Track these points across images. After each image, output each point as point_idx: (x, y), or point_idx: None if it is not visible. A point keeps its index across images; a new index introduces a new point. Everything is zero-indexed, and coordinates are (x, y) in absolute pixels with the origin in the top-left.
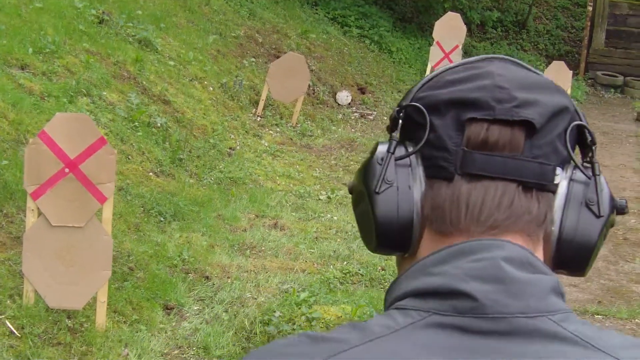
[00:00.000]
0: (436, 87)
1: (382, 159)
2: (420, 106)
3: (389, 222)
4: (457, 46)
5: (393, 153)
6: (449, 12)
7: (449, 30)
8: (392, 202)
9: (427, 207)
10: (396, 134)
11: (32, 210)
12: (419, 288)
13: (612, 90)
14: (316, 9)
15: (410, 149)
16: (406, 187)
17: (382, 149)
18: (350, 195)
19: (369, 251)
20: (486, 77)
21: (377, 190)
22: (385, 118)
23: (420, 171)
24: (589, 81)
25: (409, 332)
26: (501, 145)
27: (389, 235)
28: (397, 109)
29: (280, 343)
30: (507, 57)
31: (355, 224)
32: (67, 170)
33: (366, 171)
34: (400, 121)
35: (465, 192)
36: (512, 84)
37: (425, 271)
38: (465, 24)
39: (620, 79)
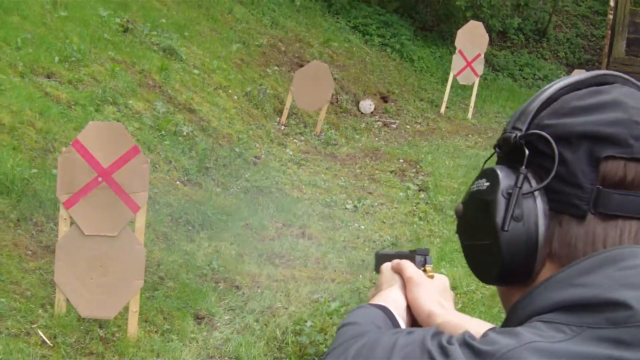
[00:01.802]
0: (563, 114)
1: (508, 193)
2: (548, 137)
3: (515, 260)
4: (479, 55)
5: (520, 187)
6: (471, 21)
7: (471, 38)
8: (519, 240)
9: (555, 244)
10: (523, 169)
11: (65, 219)
12: (565, 300)
13: None
14: (337, 18)
15: (531, 178)
16: (533, 224)
17: (506, 181)
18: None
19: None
20: (618, 107)
21: (505, 229)
22: (409, 127)
23: (544, 203)
24: None
25: (564, 348)
26: (637, 184)
27: (511, 271)
28: (518, 134)
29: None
30: (625, 77)
31: (381, 232)
32: (100, 179)
33: (489, 205)
34: (527, 151)
35: (601, 233)
36: None
37: (570, 282)
38: (486, 32)
39: None
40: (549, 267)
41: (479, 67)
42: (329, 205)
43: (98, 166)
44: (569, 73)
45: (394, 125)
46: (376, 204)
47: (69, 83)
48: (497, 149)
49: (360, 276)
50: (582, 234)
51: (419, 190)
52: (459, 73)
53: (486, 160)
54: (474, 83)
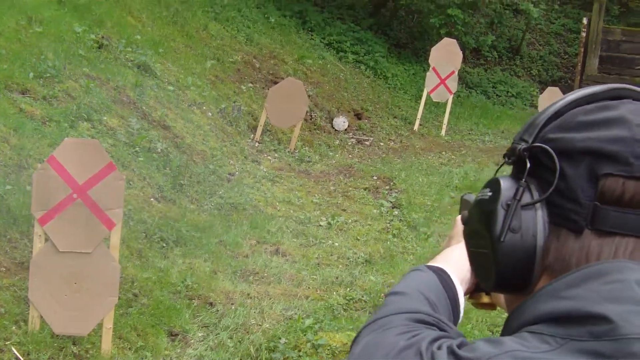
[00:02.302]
0: (567, 128)
1: (507, 205)
2: (551, 151)
3: (511, 270)
4: (453, 72)
5: (520, 200)
6: (445, 38)
7: (445, 55)
8: (515, 251)
9: (551, 256)
10: (523, 182)
11: (40, 235)
12: (552, 312)
13: None
14: (312, 35)
15: (534, 190)
16: (530, 235)
17: (507, 192)
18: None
19: (370, 278)
20: (623, 125)
21: (501, 239)
22: (382, 144)
23: (544, 215)
24: None
25: (547, 359)
26: (636, 203)
27: (507, 281)
28: (523, 146)
29: None
30: (634, 89)
31: (355, 249)
32: (75, 195)
33: (489, 215)
34: (528, 164)
35: (596, 249)
36: None
37: (557, 295)
38: (460, 49)
39: None
40: (544, 279)
41: (453, 84)
42: (302, 222)
43: (73, 183)
44: (542, 91)
45: (367, 142)
46: (350, 221)
47: (43, 99)
48: (505, 159)
49: (334, 293)
50: (577, 249)
51: (393, 207)
52: (432, 90)
53: (497, 170)
54: (447, 100)
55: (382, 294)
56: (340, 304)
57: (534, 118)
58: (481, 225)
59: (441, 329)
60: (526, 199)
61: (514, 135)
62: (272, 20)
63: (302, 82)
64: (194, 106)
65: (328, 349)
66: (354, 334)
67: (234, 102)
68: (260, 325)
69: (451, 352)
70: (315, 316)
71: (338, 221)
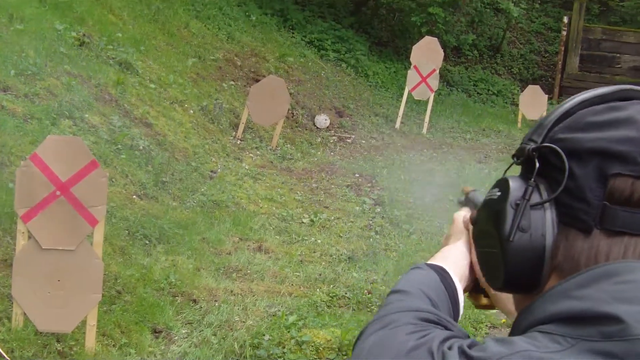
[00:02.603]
0: (576, 128)
1: (516, 204)
2: (560, 151)
3: (520, 270)
4: (434, 70)
5: (529, 199)
6: (427, 37)
7: (427, 54)
8: (524, 251)
9: (560, 256)
10: (532, 182)
11: (23, 233)
12: (562, 312)
13: None
14: (293, 33)
15: (543, 190)
16: (539, 235)
17: (516, 192)
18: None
19: (353, 275)
20: (632, 125)
21: (510, 239)
22: (364, 141)
23: (553, 215)
24: None
25: (557, 359)
26: None
27: (516, 281)
28: (532, 146)
29: None
30: None
31: (337, 246)
32: (58, 193)
33: (498, 214)
34: (537, 164)
35: (605, 249)
36: None
37: (567, 295)
38: (441, 48)
39: None
40: (554, 278)
41: (434, 82)
42: (285, 219)
43: (56, 180)
44: (522, 89)
45: (349, 140)
46: (332, 218)
47: (25, 97)
48: (514, 159)
49: (318, 290)
50: (586, 249)
51: (375, 205)
52: (414, 88)
53: (506, 170)
54: (428, 98)
55: (365, 291)
56: (323, 301)
57: (543, 119)
58: (490, 225)
59: (447, 328)
60: (535, 198)
61: (495, 133)
62: (253, 18)
63: (284, 80)
64: (175, 104)
65: (312, 346)
66: (338, 331)
67: (216, 99)
68: (244, 322)
69: (462, 352)
70: (299, 313)
71: (320, 218)
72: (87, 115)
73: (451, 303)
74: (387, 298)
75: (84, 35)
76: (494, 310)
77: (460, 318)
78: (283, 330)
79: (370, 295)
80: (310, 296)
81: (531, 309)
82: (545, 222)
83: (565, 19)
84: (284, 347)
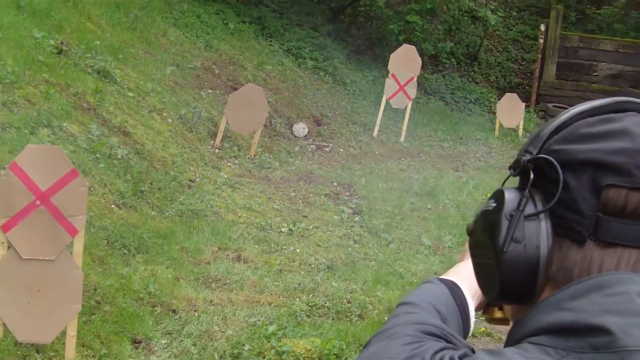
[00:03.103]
0: (570, 140)
1: (510, 215)
2: (554, 162)
3: (514, 280)
4: (412, 78)
5: (523, 211)
6: (404, 45)
7: (405, 62)
8: (518, 262)
9: (554, 267)
10: (527, 192)
11: (2, 243)
12: (553, 324)
13: None
14: (271, 41)
15: (539, 201)
16: (534, 246)
17: (510, 203)
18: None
19: (332, 284)
20: (626, 137)
21: (504, 250)
22: (342, 150)
23: (548, 226)
24: (540, 113)
25: None
26: (639, 214)
27: (511, 291)
28: (528, 158)
29: None
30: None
31: (316, 255)
32: (38, 202)
33: (493, 225)
34: (532, 175)
35: (597, 260)
36: None
37: (559, 306)
38: (419, 56)
39: None
40: (548, 289)
41: (412, 90)
42: (264, 228)
43: (36, 189)
44: (500, 97)
45: (327, 149)
46: (311, 227)
47: (3, 105)
48: (511, 171)
49: (297, 299)
50: (580, 259)
51: (353, 214)
52: (391, 96)
53: (504, 181)
54: (406, 106)
55: (344, 300)
56: (303, 310)
57: (539, 130)
58: (485, 236)
59: (449, 342)
60: (530, 209)
61: (472, 141)
62: (231, 26)
63: (262, 89)
64: (154, 112)
65: (292, 356)
66: (318, 340)
67: (194, 108)
68: (223, 332)
69: None
70: (278, 322)
71: (299, 227)
72: (65, 124)
73: (461, 317)
74: (396, 310)
75: (62, 43)
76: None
77: (470, 334)
78: (263, 340)
79: (349, 304)
80: (289, 306)
81: (525, 319)
82: (539, 233)
83: (543, 27)
84: (264, 357)
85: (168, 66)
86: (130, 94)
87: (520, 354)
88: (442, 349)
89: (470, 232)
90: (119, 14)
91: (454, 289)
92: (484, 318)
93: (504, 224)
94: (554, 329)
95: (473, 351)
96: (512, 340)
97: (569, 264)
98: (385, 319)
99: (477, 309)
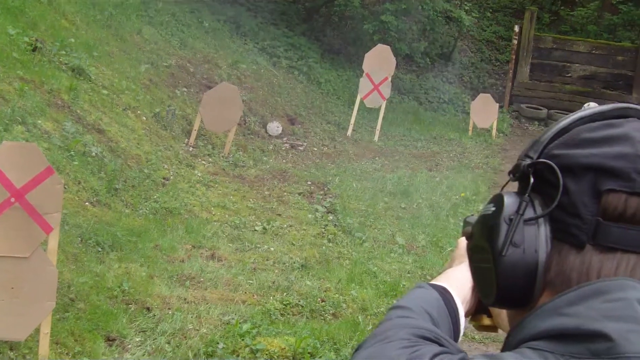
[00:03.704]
0: (571, 145)
1: (510, 219)
2: (555, 166)
3: (512, 285)
4: (386, 78)
5: (522, 214)
6: (379, 45)
7: (379, 62)
8: (516, 266)
9: (553, 272)
10: (526, 197)
11: None
12: (552, 329)
13: (536, 122)
14: (246, 40)
15: (538, 206)
16: (532, 250)
17: (510, 207)
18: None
19: (306, 283)
20: (626, 142)
21: (503, 254)
22: (316, 149)
23: (547, 231)
24: (513, 114)
25: None
26: (638, 219)
27: (509, 296)
28: (528, 162)
29: None
30: None
31: (291, 254)
32: (13, 199)
33: (492, 229)
34: (532, 180)
35: (596, 265)
36: None
37: (558, 311)
38: (393, 56)
39: (544, 111)
40: (546, 294)
41: (386, 90)
42: (238, 227)
43: (11, 187)
44: (473, 97)
45: (301, 148)
46: (285, 225)
47: None
48: (511, 176)
49: (271, 298)
50: (578, 264)
51: (327, 212)
52: (366, 96)
53: (504, 186)
54: (380, 106)
55: (319, 299)
56: (277, 309)
57: (540, 135)
58: (484, 240)
59: (442, 346)
60: (529, 214)
61: (446, 141)
62: (206, 24)
63: (237, 87)
64: (128, 110)
65: (266, 354)
66: (292, 339)
67: (169, 106)
68: (197, 330)
69: None
70: (252, 321)
71: (273, 226)
72: (39, 121)
73: (452, 322)
74: (388, 313)
75: (37, 40)
76: (496, 333)
77: (460, 339)
78: (237, 338)
79: (323, 303)
80: (263, 304)
81: (522, 324)
82: (538, 237)
83: (517, 28)
84: (238, 355)
85: (143, 64)
86: (105, 92)
87: (518, 358)
88: (438, 354)
89: (469, 236)
90: (94, 12)
91: (445, 294)
92: (472, 324)
93: (503, 227)
94: (552, 334)
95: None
96: (510, 345)
97: (567, 268)
98: (359, 318)
99: (465, 315)
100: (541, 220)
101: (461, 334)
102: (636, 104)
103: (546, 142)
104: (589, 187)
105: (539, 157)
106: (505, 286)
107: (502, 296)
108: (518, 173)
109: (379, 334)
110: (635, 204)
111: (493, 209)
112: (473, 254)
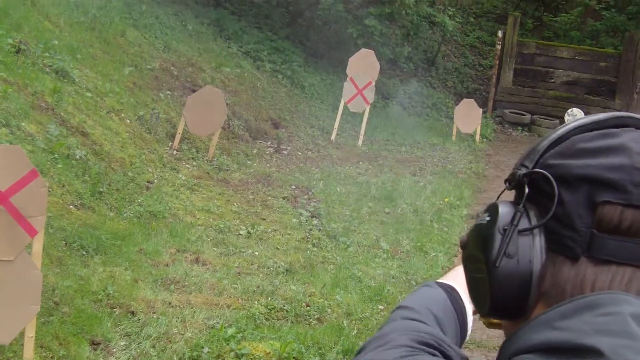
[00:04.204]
0: (567, 155)
1: (504, 230)
2: (550, 176)
3: (505, 296)
4: (370, 82)
5: (517, 225)
6: (363, 49)
7: (363, 66)
8: (510, 277)
9: (547, 283)
10: (521, 207)
11: None
12: (544, 342)
13: (520, 128)
14: (229, 43)
15: (533, 216)
16: (527, 261)
17: (504, 217)
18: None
19: (291, 287)
20: (623, 153)
21: (496, 265)
22: (300, 153)
23: (542, 242)
24: (497, 119)
25: None
26: (633, 231)
27: (502, 307)
28: (523, 172)
29: None
30: (639, 117)
31: (275, 258)
32: None
33: (486, 239)
34: (526, 190)
35: (591, 277)
36: None
37: (550, 325)
38: (377, 60)
39: (527, 117)
40: (541, 306)
41: (370, 94)
42: (222, 231)
43: None
44: (457, 102)
45: (285, 152)
46: (269, 230)
47: None
48: (507, 184)
49: (256, 302)
50: (572, 276)
51: (312, 217)
52: (349, 100)
53: (499, 195)
54: (364, 111)
55: (303, 304)
56: (262, 313)
57: (536, 144)
58: (478, 250)
59: (443, 351)
60: (524, 224)
61: (429, 146)
62: (190, 27)
63: (221, 91)
64: (112, 113)
65: (251, 358)
66: (277, 343)
67: (153, 109)
68: (182, 334)
69: None
70: (237, 325)
71: (258, 230)
72: (23, 124)
73: (458, 321)
74: (392, 314)
75: (21, 42)
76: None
77: (467, 338)
78: (222, 342)
79: (308, 307)
80: (248, 308)
81: (516, 336)
82: (532, 248)
83: (500, 33)
84: None
85: (126, 67)
86: (89, 94)
87: None
88: None
89: (464, 245)
90: (78, 14)
91: (452, 293)
92: (482, 321)
93: (497, 238)
94: (544, 347)
95: None
96: (504, 356)
97: (561, 280)
98: (344, 322)
99: (474, 313)
100: (536, 230)
101: (469, 332)
102: (634, 113)
103: (542, 151)
104: (584, 198)
105: (534, 167)
106: (498, 297)
107: (496, 307)
108: (514, 182)
109: (381, 337)
110: (630, 216)
111: (488, 218)
112: (467, 263)
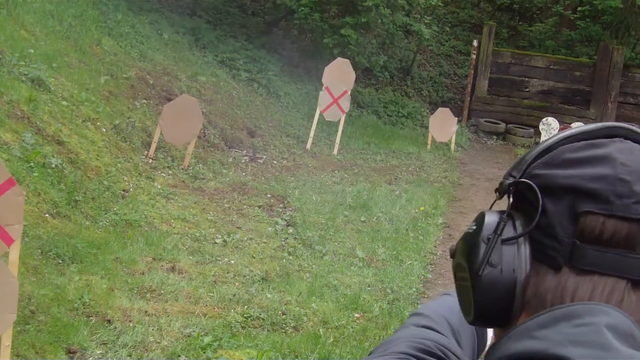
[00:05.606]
0: (553, 165)
1: (488, 239)
2: (535, 186)
3: (489, 304)
4: (345, 92)
5: (500, 234)
6: (339, 58)
7: (339, 75)
8: (494, 286)
9: (530, 292)
10: (505, 217)
11: None
12: (521, 352)
13: (495, 137)
14: (205, 52)
15: (518, 225)
16: (510, 270)
17: (489, 226)
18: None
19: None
20: (607, 163)
21: (480, 273)
22: (275, 162)
23: (527, 251)
24: (472, 128)
25: None
26: (615, 242)
27: (487, 315)
28: (510, 181)
29: None
30: (630, 128)
31: (251, 267)
32: None
33: (471, 248)
34: (511, 199)
35: (572, 287)
36: (635, 176)
37: (528, 334)
38: (353, 69)
39: (502, 126)
40: (525, 314)
41: (346, 103)
42: (198, 239)
43: None
44: (432, 111)
45: (261, 160)
46: (245, 238)
47: None
48: (497, 194)
49: (232, 311)
50: (554, 286)
51: (287, 226)
52: (325, 109)
53: (492, 204)
54: (340, 119)
55: (280, 312)
56: (238, 322)
57: (525, 154)
58: (463, 259)
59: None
60: (509, 233)
61: (405, 155)
62: (166, 36)
63: (196, 99)
64: (88, 122)
65: None
66: (253, 352)
67: (128, 118)
68: (159, 342)
69: None
70: (214, 334)
71: (233, 239)
72: None
73: (476, 332)
74: (407, 319)
75: None
76: None
77: (486, 348)
78: (199, 351)
79: (284, 316)
80: (224, 317)
81: (497, 345)
82: (516, 257)
83: (475, 43)
84: None
85: (102, 75)
86: (65, 103)
87: None
88: None
89: (453, 254)
90: (53, 22)
91: None
92: None
93: (482, 247)
94: (521, 357)
95: None
96: None
97: (543, 290)
98: (320, 331)
99: None
100: (521, 240)
101: (488, 343)
102: (625, 123)
103: (530, 160)
104: (567, 208)
105: (521, 177)
106: (482, 306)
107: (480, 315)
108: (502, 192)
109: (387, 343)
110: (612, 227)
111: (474, 227)
112: (455, 272)
